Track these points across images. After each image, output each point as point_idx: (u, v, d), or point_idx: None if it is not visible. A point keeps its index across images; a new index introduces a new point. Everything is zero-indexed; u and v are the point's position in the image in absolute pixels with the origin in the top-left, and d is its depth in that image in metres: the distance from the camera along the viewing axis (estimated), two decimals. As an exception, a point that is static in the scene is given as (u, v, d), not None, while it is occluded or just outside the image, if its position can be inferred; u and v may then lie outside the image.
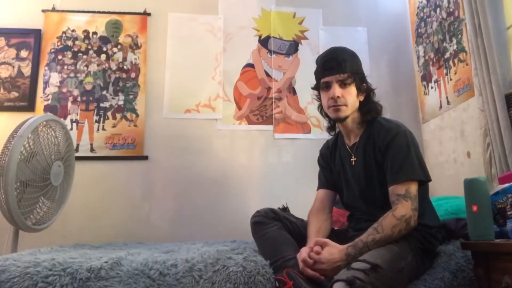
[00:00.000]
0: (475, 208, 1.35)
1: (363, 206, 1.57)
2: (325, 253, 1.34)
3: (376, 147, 1.51)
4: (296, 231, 1.57)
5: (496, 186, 1.53)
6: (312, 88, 1.66)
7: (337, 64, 1.55)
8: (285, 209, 1.64)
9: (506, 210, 1.37)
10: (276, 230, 1.52)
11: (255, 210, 1.64)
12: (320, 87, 1.60)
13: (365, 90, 1.60)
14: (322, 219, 1.62)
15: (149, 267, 1.43)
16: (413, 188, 1.41)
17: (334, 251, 1.34)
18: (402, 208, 1.37)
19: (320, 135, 2.98)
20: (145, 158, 2.84)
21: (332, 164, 1.71)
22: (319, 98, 1.65)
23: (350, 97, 1.55)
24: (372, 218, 1.45)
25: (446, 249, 1.52)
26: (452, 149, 2.56)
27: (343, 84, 1.54)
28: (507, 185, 1.40)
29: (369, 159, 1.53)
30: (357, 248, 1.32)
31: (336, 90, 1.53)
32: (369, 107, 1.59)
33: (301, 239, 1.53)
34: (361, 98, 1.59)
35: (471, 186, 1.39)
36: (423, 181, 1.46)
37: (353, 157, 1.59)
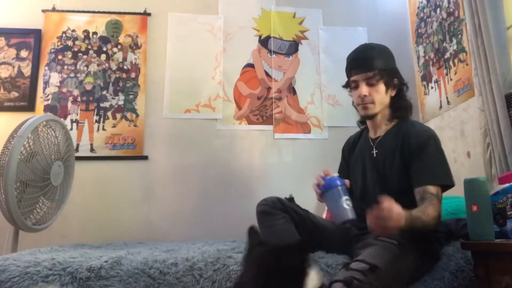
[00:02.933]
0: (475, 208, 1.35)
1: (375, 199, 1.55)
2: (394, 212, 1.22)
3: (405, 146, 1.51)
4: (302, 223, 1.56)
5: (496, 186, 1.53)
6: (343, 87, 1.68)
7: (363, 63, 1.57)
8: (291, 199, 1.62)
9: (506, 210, 1.37)
10: (283, 223, 1.50)
11: (255, 210, 1.63)
12: (350, 85, 1.63)
13: (397, 85, 1.60)
14: None
15: (149, 266, 1.44)
16: (440, 191, 1.43)
17: (401, 212, 1.24)
18: (437, 206, 1.38)
19: (320, 135, 2.99)
20: (145, 158, 2.84)
21: (351, 157, 1.74)
22: (351, 95, 1.69)
23: (378, 95, 1.56)
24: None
25: (446, 250, 1.52)
26: (452, 149, 2.56)
27: (370, 82, 1.55)
28: (507, 185, 1.40)
29: (393, 155, 1.53)
30: (411, 220, 1.27)
31: (363, 89, 1.55)
32: (400, 103, 1.60)
33: (306, 231, 1.53)
34: (392, 93, 1.60)
35: (471, 186, 1.40)
36: (445, 187, 1.47)
37: (374, 149, 1.60)
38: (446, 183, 1.45)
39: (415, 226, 1.28)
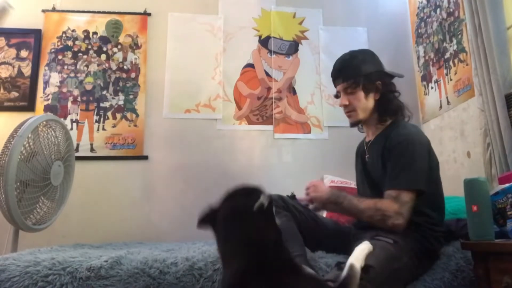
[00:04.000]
0: (475, 208, 1.35)
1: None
2: (319, 186, 1.54)
3: (385, 149, 1.52)
4: (304, 221, 1.56)
5: (496, 186, 1.53)
6: (335, 96, 1.71)
7: (339, 73, 1.62)
8: (293, 197, 1.62)
9: (506, 210, 1.37)
10: (285, 222, 1.50)
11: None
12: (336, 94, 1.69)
13: (379, 89, 1.60)
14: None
15: (149, 266, 1.43)
16: (406, 196, 1.40)
17: (324, 187, 1.54)
18: (387, 204, 1.39)
19: (320, 135, 2.98)
20: (145, 158, 2.84)
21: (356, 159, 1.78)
22: None
23: (358, 102, 1.59)
24: None
25: (446, 250, 1.52)
26: (452, 149, 2.56)
27: (348, 91, 1.59)
28: (507, 185, 1.40)
29: (378, 159, 1.55)
30: (338, 197, 1.47)
31: (343, 99, 1.62)
32: (385, 107, 1.60)
33: (308, 229, 1.54)
34: (376, 97, 1.60)
35: (471, 186, 1.39)
36: (422, 191, 1.44)
37: (367, 153, 1.64)
38: (408, 188, 1.41)
39: (342, 206, 1.45)
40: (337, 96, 1.68)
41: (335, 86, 1.66)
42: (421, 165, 1.45)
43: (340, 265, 1.26)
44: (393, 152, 1.47)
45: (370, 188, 1.60)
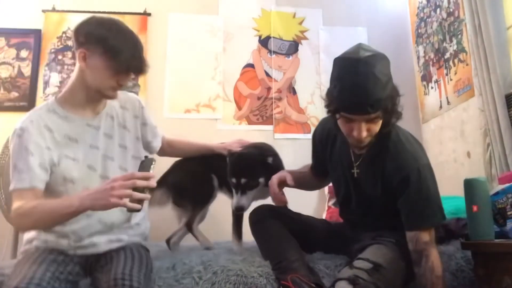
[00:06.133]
0: (475, 208, 1.36)
1: (358, 216, 1.52)
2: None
3: (386, 178, 1.36)
4: (296, 227, 1.55)
5: (496, 186, 1.53)
6: (328, 112, 1.37)
7: (367, 104, 1.23)
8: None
9: (506, 210, 1.37)
10: (276, 229, 1.50)
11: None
12: (339, 115, 1.31)
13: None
14: (308, 175, 1.67)
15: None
16: (433, 231, 1.32)
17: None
18: (435, 258, 1.28)
19: (320, 135, 2.98)
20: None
21: (327, 154, 1.54)
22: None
23: (377, 128, 1.31)
24: (366, 223, 1.46)
25: (446, 250, 1.52)
26: (452, 149, 2.56)
27: (373, 121, 1.29)
28: (507, 185, 1.40)
29: (375, 181, 1.39)
30: None
31: (363, 130, 1.28)
32: (388, 121, 1.34)
33: (301, 235, 1.53)
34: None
35: (471, 186, 1.40)
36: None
37: (355, 169, 1.44)
38: (437, 224, 1.35)
39: None
40: (334, 111, 1.33)
41: (346, 112, 1.28)
42: (436, 192, 1.34)
43: (350, 264, 1.27)
44: (407, 187, 1.30)
45: (358, 204, 1.47)
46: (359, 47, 1.27)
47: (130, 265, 1.27)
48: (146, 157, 1.32)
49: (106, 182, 1.21)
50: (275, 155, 1.72)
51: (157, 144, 1.73)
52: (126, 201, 1.17)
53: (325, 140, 1.54)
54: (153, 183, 1.21)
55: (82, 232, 1.37)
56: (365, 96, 1.22)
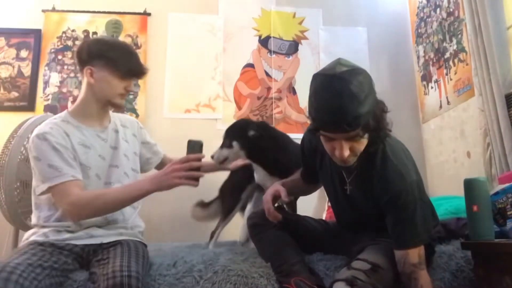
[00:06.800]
0: (475, 208, 1.35)
1: (355, 224, 1.50)
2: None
3: (376, 195, 1.32)
4: (294, 228, 1.54)
5: (496, 186, 1.53)
6: (310, 131, 1.33)
7: (344, 122, 1.15)
8: (280, 208, 1.62)
9: (506, 210, 1.37)
10: (275, 231, 1.49)
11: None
12: (319, 133, 1.25)
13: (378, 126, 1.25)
14: (300, 181, 1.64)
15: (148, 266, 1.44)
16: (423, 249, 1.28)
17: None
18: (424, 282, 1.25)
19: (320, 135, 2.98)
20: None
21: (317, 166, 1.50)
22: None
23: (361, 146, 1.24)
24: (363, 228, 1.45)
25: (446, 250, 1.52)
26: (452, 149, 2.56)
27: (353, 139, 1.21)
28: (507, 185, 1.40)
29: (367, 198, 1.36)
30: None
31: (344, 150, 1.21)
32: (377, 137, 1.27)
33: (299, 237, 1.52)
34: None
35: (471, 186, 1.40)
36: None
37: (348, 185, 1.39)
38: (420, 244, 1.29)
39: None
40: (315, 133, 1.26)
41: (327, 131, 1.21)
42: (425, 211, 1.31)
43: (349, 265, 1.26)
44: (394, 205, 1.27)
45: (351, 213, 1.46)
46: (337, 62, 1.20)
47: (128, 257, 1.33)
48: (190, 140, 1.45)
49: (166, 166, 1.40)
50: (261, 134, 1.77)
51: (156, 160, 1.87)
52: (188, 180, 1.37)
53: (313, 153, 1.49)
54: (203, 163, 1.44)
55: (83, 222, 1.46)
56: (341, 114, 1.14)
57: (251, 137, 1.76)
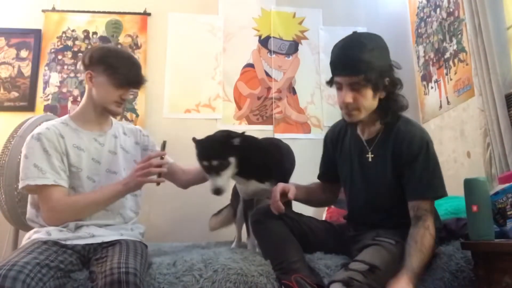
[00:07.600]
0: (475, 208, 1.35)
1: (364, 209, 1.54)
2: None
3: (397, 151, 1.42)
4: (297, 227, 1.54)
5: (496, 186, 1.53)
6: (327, 83, 1.47)
7: (348, 64, 1.36)
8: (285, 203, 1.61)
9: (506, 210, 1.37)
10: (277, 228, 1.49)
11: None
12: (334, 84, 1.43)
13: (387, 87, 1.41)
14: (315, 190, 1.68)
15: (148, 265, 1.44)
16: (433, 204, 1.42)
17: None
18: (432, 225, 1.35)
19: (320, 135, 2.97)
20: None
21: (337, 153, 1.62)
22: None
23: (364, 100, 1.38)
24: (371, 222, 1.47)
25: (446, 250, 1.52)
26: (452, 149, 2.56)
27: (355, 87, 1.36)
28: (507, 185, 1.40)
29: (385, 161, 1.45)
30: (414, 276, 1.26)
31: (347, 95, 1.37)
32: (388, 106, 1.43)
33: (302, 235, 1.52)
34: (382, 95, 1.42)
35: (471, 186, 1.40)
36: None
37: (370, 153, 1.48)
38: (440, 196, 1.41)
39: (420, 271, 1.28)
40: (331, 83, 1.44)
41: (335, 75, 1.40)
42: (440, 169, 1.44)
43: (346, 266, 1.26)
44: (417, 161, 1.38)
45: (366, 190, 1.51)
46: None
47: (126, 254, 1.34)
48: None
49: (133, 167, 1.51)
50: (243, 137, 1.62)
51: None
52: (150, 177, 1.48)
53: (336, 139, 1.64)
54: (165, 161, 1.56)
55: (84, 222, 1.49)
56: (347, 56, 1.37)
57: (240, 143, 1.60)
